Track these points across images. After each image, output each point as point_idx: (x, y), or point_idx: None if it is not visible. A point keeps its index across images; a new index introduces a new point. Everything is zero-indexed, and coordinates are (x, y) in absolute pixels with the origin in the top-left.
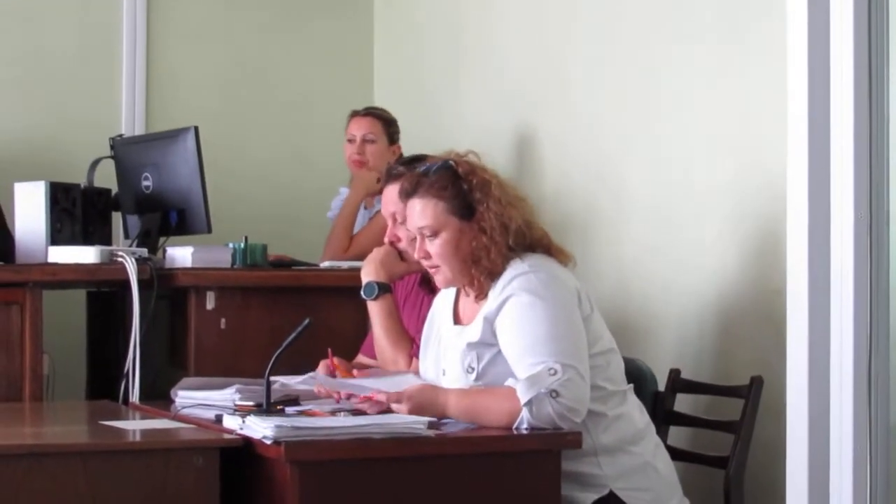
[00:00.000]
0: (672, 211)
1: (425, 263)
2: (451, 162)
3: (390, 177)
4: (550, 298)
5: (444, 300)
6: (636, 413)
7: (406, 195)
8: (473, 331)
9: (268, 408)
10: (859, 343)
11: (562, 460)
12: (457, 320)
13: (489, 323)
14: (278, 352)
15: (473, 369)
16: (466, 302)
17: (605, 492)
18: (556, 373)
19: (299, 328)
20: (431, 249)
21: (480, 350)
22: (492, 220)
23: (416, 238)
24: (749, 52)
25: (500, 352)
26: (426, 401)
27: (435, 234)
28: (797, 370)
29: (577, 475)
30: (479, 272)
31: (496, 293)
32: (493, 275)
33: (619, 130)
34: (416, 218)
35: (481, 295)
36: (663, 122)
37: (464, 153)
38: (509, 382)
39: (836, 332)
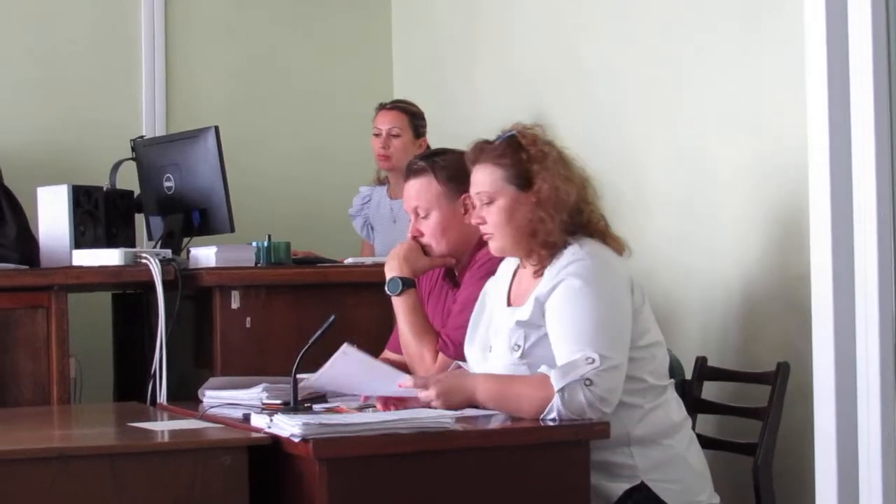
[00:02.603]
0: (693, 198)
1: (481, 229)
2: (514, 132)
3: (410, 172)
4: (602, 287)
5: (497, 283)
6: (674, 407)
7: (471, 162)
8: (524, 310)
9: (295, 406)
10: (885, 326)
11: (594, 450)
12: (509, 302)
13: (540, 304)
14: (304, 349)
15: (520, 347)
16: (521, 283)
17: (637, 482)
18: (593, 361)
19: (325, 325)
20: (488, 216)
21: (528, 329)
22: (549, 192)
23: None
24: (767, 36)
25: (546, 334)
26: (454, 386)
27: (491, 201)
28: (823, 355)
29: (609, 465)
30: (537, 244)
31: (551, 275)
32: (552, 248)
33: (639, 118)
34: (477, 184)
35: (540, 269)
36: (682, 109)
37: (530, 125)
38: (542, 370)
39: (861, 315)
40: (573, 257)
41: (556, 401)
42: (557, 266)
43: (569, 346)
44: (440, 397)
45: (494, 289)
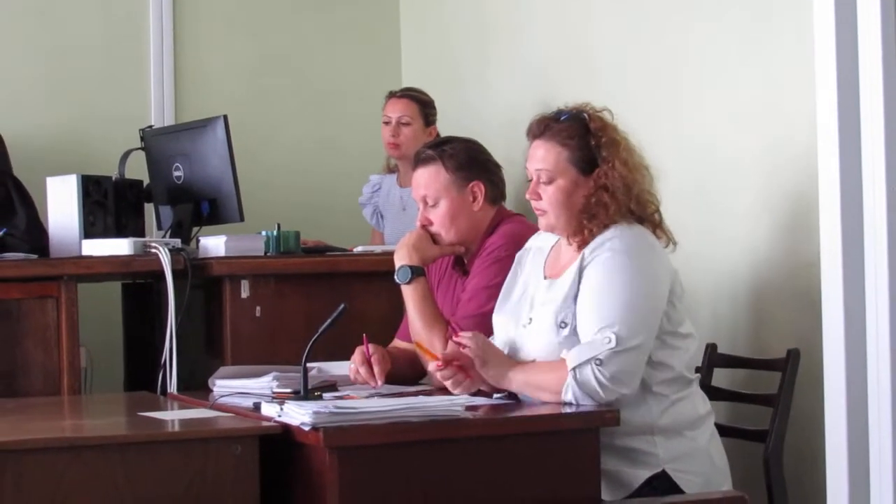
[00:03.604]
0: (703, 187)
1: (534, 205)
2: (584, 114)
3: (419, 160)
4: (639, 264)
5: (533, 255)
6: (699, 400)
7: (532, 135)
8: (565, 281)
9: (305, 394)
10: (895, 312)
11: (617, 435)
12: (546, 275)
13: (580, 273)
14: (314, 338)
15: (567, 325)
16: (559, 257)
17: (658, 471)
18: (610, 341)
19: (334, 314)
20: (544, 194)
21: (574, 306)
22: (615, 179)
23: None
24: (776, 25)
25: None
26: (496, 356)
27: (550, 181)
28: (833, 342)
29: (631, 451)
30: (594, 225)
31: (593, 247)
32: (605, 229)
33: (647, 107)
34: (537, 160)
35: (583, 244)
36: (692, 99)
37: (599, 108)
38: (563, 354)
39: (871, 302)
40: (617, 232)
41: (570, 380)
42: (600, 239)
43: (592, 321)
44: (478, 359)
45: (531, 261)
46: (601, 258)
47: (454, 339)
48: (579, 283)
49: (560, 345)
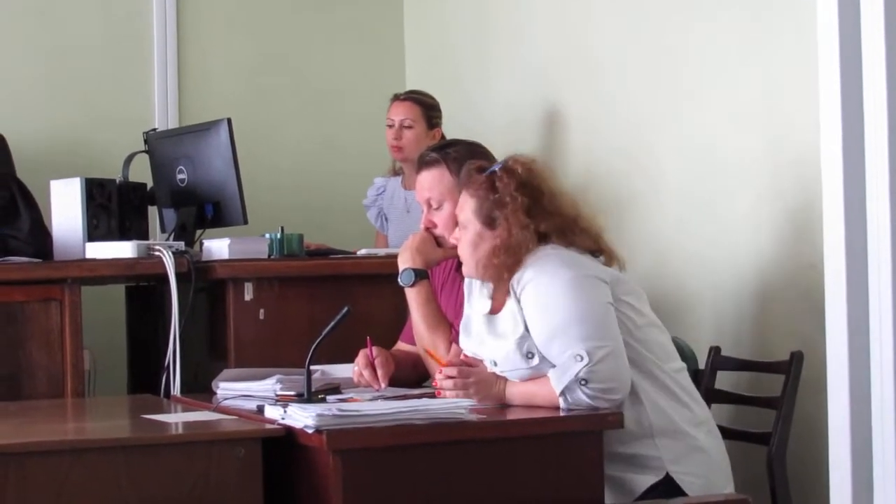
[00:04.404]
0: (704, 188)
1: (458, 250)
2: (495, 169)
3: (423, 163)
4: (571, 279)
5: (479, 285)
6: (689, 397)
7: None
8: (506, 316)
9: (308, 397)
10: None
11: (622, 443)
12: (493, 308)
13: (518, 303)
14: (318, 341)
15: (534, 354)
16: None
17: (662, 474)
18: (581, 359)
19: (338, 317)
20: (460, 241)
21: (530, 337)
22: (504, 237)
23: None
24: (778, 26)
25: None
26: (490, 381)
27: (464, 227)
28: (837, 344)
29: (637, 458)
30: (489, 278)
31: (517, 278)
32: (505, 278)
33: (648, 108)
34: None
35: (506, 291)
36: (693, 100)
37: (527, 158)
38: (549, 373)
39: (874, 305)
40: (534, 259)
41: (562, 405)
42: (521, 271)
43: (554, 346)
44: (478, 389)
45: (478, 291)
46: (531, 286)
47: (441, 368)
48: (521, 313)
49: (534, 374)
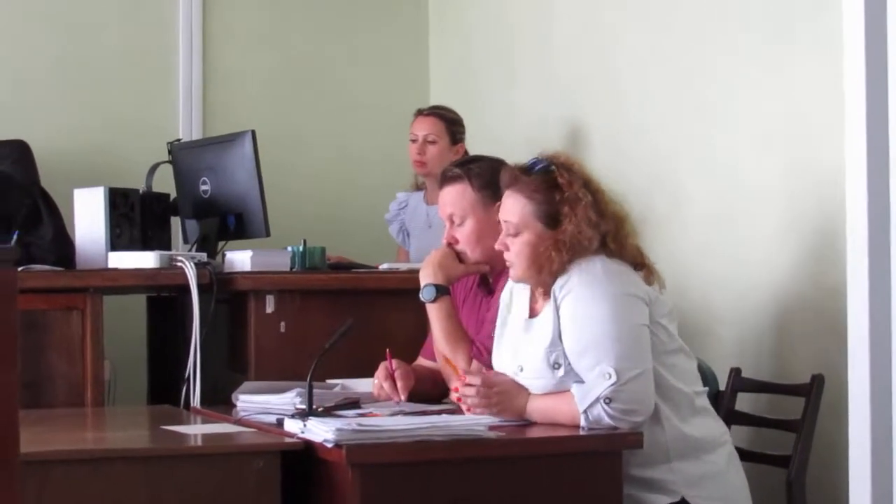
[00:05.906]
0: (727, 208)
1: (504, 255)
2: (553, 167)
3: (445, 179)
4: (613, 295)
5: (519, 292)
6: (710, 420)
7: (504, 186)
8: (544, 322)
9: (310, 412)
10: None
11: (637, 467)
12: (532, 312)
13: (556, 311)
14: (320, 355)
15: (560, 365)
16: (536, 295)
17: (678, 498)
18: (609, 377)
19: (341, 330)
20: (511, 246)
21: (562, 345)
22: (570, 234)
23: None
24: (802, 46)
25: None
26: (513, 392)
27: (517, 233)
28: (858, 368)
29: (651, 481)
30: (542, 277)
31: (561, 284)
32: (556, 277)
33: (672, 128)
34: (504, 211)
35: (546, 294)
36: (717, 120)
37: (570, 159)
38: (572, 389)
39: None
40: (580, 268)
41: (582, 422)
42: (565, 277)
43: (585, 360)
44: (500, 400)
45: (516, 297)
46: (572, 295)
47: (462, 379)
48: (558, 321)
49: (557, 385)
